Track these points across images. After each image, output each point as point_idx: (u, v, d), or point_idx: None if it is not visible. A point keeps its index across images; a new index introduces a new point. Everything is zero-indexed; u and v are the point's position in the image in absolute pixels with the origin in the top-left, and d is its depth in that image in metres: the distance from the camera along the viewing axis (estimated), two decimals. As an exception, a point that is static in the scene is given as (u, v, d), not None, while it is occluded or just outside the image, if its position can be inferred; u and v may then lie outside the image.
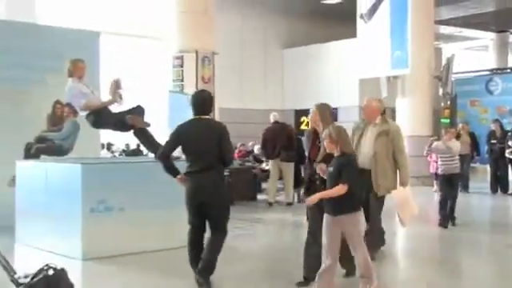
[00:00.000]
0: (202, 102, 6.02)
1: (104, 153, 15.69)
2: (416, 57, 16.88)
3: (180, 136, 5.93)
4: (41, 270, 4.42)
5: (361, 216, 5.40)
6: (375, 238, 6.94)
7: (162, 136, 9.39)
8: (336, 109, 23.88)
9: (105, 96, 8.17)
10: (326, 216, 5.29)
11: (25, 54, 10.03)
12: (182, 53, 14.72)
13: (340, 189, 5.11)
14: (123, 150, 17.86)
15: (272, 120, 13.07)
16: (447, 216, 9.77)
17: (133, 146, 17.25)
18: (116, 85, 7.74)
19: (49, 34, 10.90)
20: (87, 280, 6.52)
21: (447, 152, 9.72)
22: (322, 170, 5.46)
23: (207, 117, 6.05)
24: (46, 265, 4.48)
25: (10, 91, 9.90)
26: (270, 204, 12.61)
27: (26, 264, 5.49)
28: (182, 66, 14.80)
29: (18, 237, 8.36)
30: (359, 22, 18.07)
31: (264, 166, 14.36)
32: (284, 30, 24.71)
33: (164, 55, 15.78)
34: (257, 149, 15.90)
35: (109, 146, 17.37)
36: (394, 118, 16.69)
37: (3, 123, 9.78)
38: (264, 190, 14.11)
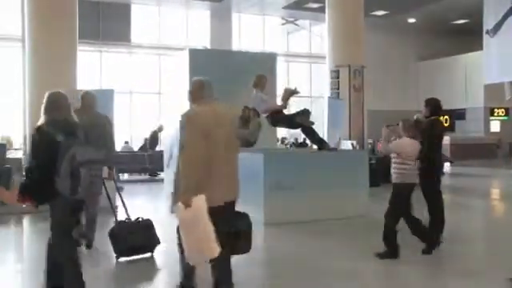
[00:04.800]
0: None
1: (279, 145, 16.01)
2: (537, 64, 15.21)
3: None
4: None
5: None
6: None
7: (322, 132, 9.35)
8: (464, 109, 22.33)
9: (279, 102, 8.26)
10: None
11: (225, 72, 10.44)
12: (338, 67, 14.64)
13: None
14: (293, 143, 18.11)
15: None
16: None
17: (300, 140, 17.44)
18: (287, 93, 7.74)
19: (240, 56, 11.31)
20: (267, 238, 6.70)
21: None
22: None
23: None
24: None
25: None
26: None
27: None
28: (337, 78, 14.70)
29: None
30: (485, 36, 16.66)
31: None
32: (420, 46, 23.65)
33: (324, 69, 15.76)
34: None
35: (283, 140, 17.70)
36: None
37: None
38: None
